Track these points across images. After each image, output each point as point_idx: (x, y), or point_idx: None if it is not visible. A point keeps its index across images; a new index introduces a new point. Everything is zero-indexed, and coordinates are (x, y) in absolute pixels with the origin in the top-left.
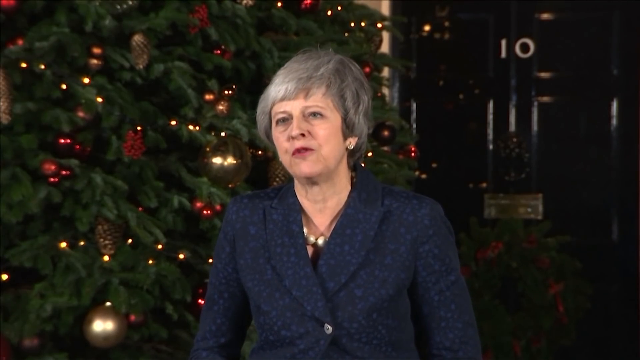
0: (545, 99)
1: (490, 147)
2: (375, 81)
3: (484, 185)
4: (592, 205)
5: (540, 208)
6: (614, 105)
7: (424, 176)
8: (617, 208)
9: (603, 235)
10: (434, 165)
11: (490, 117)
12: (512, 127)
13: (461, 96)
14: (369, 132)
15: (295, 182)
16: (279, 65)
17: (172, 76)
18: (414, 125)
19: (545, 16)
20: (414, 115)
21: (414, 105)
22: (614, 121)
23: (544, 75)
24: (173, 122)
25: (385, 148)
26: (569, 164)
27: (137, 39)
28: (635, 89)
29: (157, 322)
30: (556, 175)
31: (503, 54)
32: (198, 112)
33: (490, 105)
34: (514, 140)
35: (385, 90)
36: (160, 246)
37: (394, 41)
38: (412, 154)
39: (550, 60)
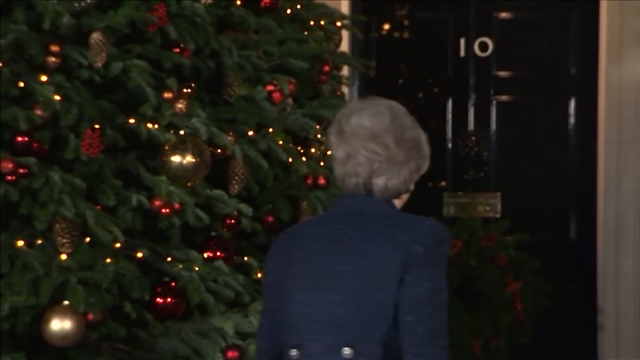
0: (504, 97)
1: (449, 145)
2: (335, 80)
3: (443, 183)
4: (550, 203)
5: (499, 206)
6: (572, 104)
7: None
8: (575, 206)
9: (561, 234)
10: None
11: (450, 115)
12: (471, 125)
13: (420, 95)
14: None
15: None
16: (239, 64)
17: (131, 74)
18: None
19: (504, 15)
20: None
21: None
22: (572, 120)
23: (502, 74)
24: (132, 121)
25: None
26: (527, 162)
27: (96, 37)
28: (593, 88)
29: (115, 321)
30: (514, 174)
31: (462, 53)
32: (157, 111)
33: (449, 104)
34: (473, 139)
35: (345, 89)
36: (118, 245)
37: (353, 40)
38: None
39: (509, 59)
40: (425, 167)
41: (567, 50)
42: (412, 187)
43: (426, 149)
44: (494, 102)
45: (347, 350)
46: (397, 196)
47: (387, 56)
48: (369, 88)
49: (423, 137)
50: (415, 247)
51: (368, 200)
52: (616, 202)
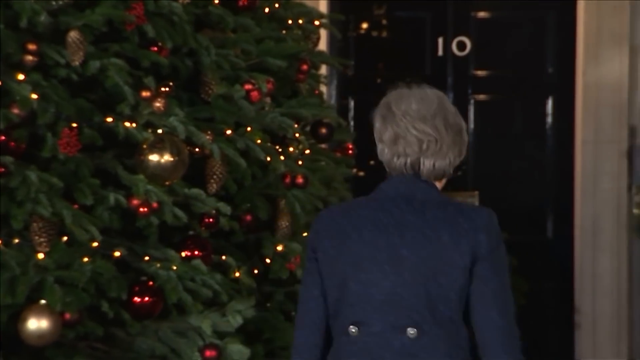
0: (482, 97)
1: None
2: (313, 79)
3: None
4: (527, 202)
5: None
6: (549, 104)
7: (361, 174)
8: (552, 205)
9: (538, 233)
10: (371, 162)
11: None
12: None
13: None
14: None
15: None
16: (217, 63)
17: (109, 73)
18: (352, 123)
19: (481, 15)
20: (351, 113)
21: (352, 103)
22: (549, 119)
23: (480, 73)
24: (109, 119)
25: (323, 146)
26: (504, 161)
27: (73, 35)
28: (570, 87)
29: (92, 320)
30: (492, 173)
31: (440, 52)
32: (134, 109)
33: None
34: None
35: (323, 88)
36: (96, 244)
37: (331, 39)
38: (350, 152)
39: (487, 58)
40: (464, 153)
41: (544, 49)
42: (451, 171)
43: (466, 137)
44: (472, 102)
45: (412, 331)
46: (442, 178)
47: (365, 55)
48: (347, 87)
49: (464, 125)
50: (478, 236)
51: (419, 184)
52: (593, 201)
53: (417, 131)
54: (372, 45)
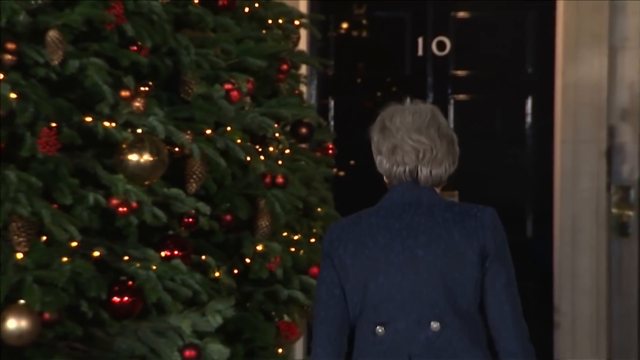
0: (461, 96)
1: None
2: (293, 79)
3: None
4: (507, 202)
5: None
6: (529, 104)
7: (341, 173)
8: (532, 205)
9: (517, 232)
10: (351, 162)
11: None
12: None
13: (379, 94)
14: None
15: None
16: (196, 62)
17: (88, 72)
18: (332, 123)
19: (461, 15)
20: (331, 113)
21: (332, 103)
22: (528, 119)
23: (460, 73)
24: (88, 119)
25: (303, 145)
26: (484, 161)
27: (52, 34)
28: (550, 87)
29: (71, 320)
30: (472, 172)
31: (420, 52)
32: (114, 109)
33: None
34: None
35: (303, 88)
36: (75, 243)
37: (311, 39)
38: (330, 152)
39: (466, 58)
40: (457, 163)
41: (524, 49)
42: (446, 178)
43: (457, 148)
44: (452, 101)
45: (435, 324)
46: (438, 185)
47: (345, 55)
48: (327, 87)
49: (455, 136)
50: (486, 233)
51: (422, 191)
52: (572, 201)
53: (413, 141)
54: (352, 45)
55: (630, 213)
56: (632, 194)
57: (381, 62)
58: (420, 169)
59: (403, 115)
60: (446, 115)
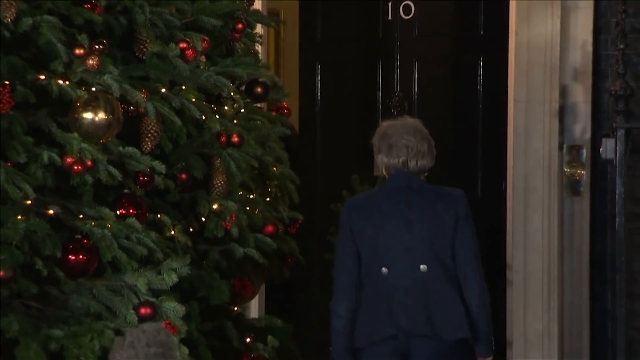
0: (425, 58)
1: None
2: (248, 38)
3: None
4: (460, 161)
5: None
6: (481, 64)
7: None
8: (484, 164)
9: (470, 191)
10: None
11: (379, 77)
12: (398, 87)
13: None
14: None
15: None
16: (151, 21)
17: (41, 30)
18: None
19: None
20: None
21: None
22: (481, 80)
23: (422, 35)
24: (42, 77)
25: (258, 105)
26: (439, 121)
27: None
28: (503, 47)
29: (26, 278)
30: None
31: (389, 16)
32: (68, 67)
33: (379, 64)
34: (399, 97)
35: (259, 48)
36: (29, 201)
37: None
38: (286, 111)
39: (429, 20)
40: (434, 161)
41: (477, 11)
42: (427, 169)
43: (434, 150)
44: (416, 64)
45: (423, 267)
46: (424, 173)
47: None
48: (313, 53)
49: (432, 141)
50: (459, 205)
51: (413, 178)
52: (525, 160)
53: (404, 140)
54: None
55: (582, 172)
56: (584, 153)
57: (358, 26)
58: (410, 161)
59: (396, 125)
60: (412, 78)
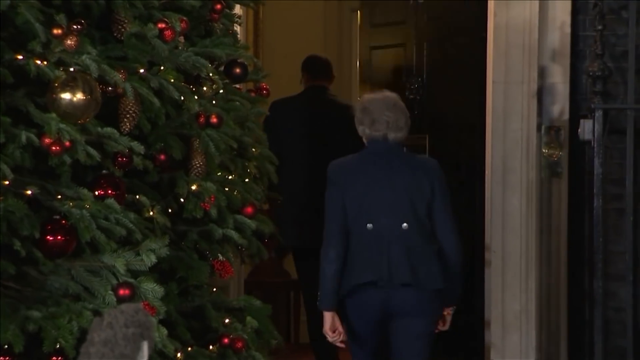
0: None
1: None
2: (227, 18)
3: None
4: (439, 142)
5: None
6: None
7: None
8: (463, 145)
9: (450, 172)
10: None
11: None
12: None
13: None
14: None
15: None
16: (129, 1)
17: (19, 10)
18: None
19: None
20: None
21: None
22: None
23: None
24: (20, 57)
25: (237, 85)
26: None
27: None
28: (482, 28)
29: (4, 259)
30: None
31: None
32: (46, 47)
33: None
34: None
35: (237, 28)
36: (7, 182)
37: None
38: (264, 92)
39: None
40: (409, 131)
41: None
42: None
43: (409, 121)
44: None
45: (404, 224)
46: (401, 142)
47: None
48: None
49: (408, 114)
50: (435, 171)
51: (392, 146)
52: (503, 141)
53: (385, 115)
54: None
55: (560, 153)
56: (562, 134)
57: None
58: (389, 133)
59: (376, 99)
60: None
